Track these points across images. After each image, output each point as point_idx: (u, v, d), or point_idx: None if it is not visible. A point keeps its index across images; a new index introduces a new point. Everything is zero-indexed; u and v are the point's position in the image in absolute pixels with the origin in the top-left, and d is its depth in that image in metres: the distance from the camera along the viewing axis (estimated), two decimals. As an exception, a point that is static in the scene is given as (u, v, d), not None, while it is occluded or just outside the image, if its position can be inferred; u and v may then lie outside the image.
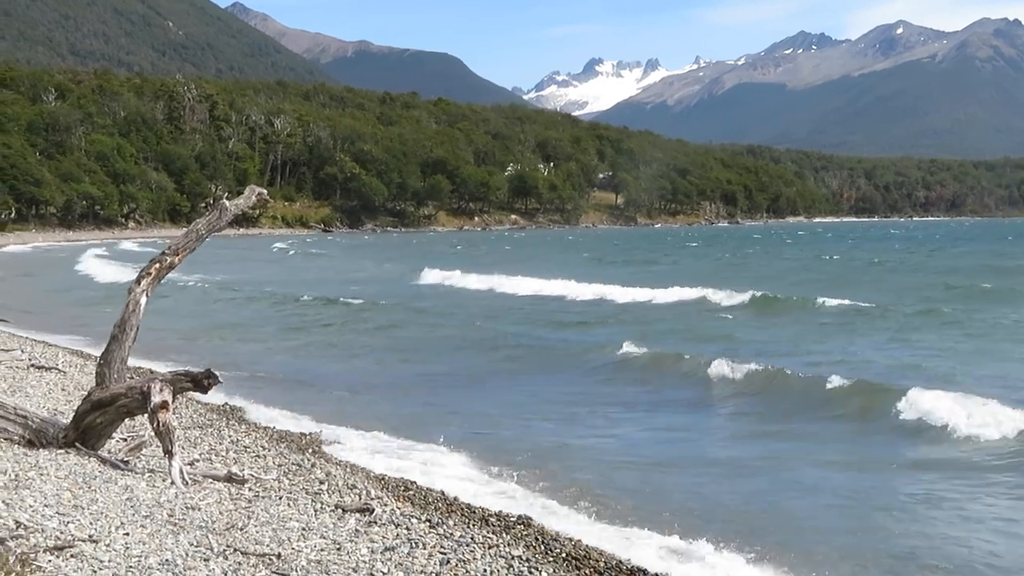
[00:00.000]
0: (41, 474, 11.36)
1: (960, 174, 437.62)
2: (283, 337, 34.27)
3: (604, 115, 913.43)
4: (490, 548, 10.80)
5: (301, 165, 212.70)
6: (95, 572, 8.41)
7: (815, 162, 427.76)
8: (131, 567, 8.66)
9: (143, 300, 13.39)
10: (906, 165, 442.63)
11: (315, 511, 11.61)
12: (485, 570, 9.91)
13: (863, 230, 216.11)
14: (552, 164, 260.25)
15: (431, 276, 63.22)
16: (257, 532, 10.33)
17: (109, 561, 8.73)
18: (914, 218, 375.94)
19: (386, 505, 12.23)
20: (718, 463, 16.94)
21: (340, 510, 11.76)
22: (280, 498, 12.07)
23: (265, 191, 14.85)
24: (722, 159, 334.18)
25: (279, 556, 9.52)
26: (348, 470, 14.81)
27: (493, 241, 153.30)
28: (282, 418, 19.70)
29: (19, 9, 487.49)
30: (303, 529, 10.68)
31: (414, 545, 10.49)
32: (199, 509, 10.97)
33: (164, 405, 12.35)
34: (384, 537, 10.72)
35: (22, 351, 24.69)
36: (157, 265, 13.52)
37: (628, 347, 28.16)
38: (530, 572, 10.09)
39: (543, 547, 11.57)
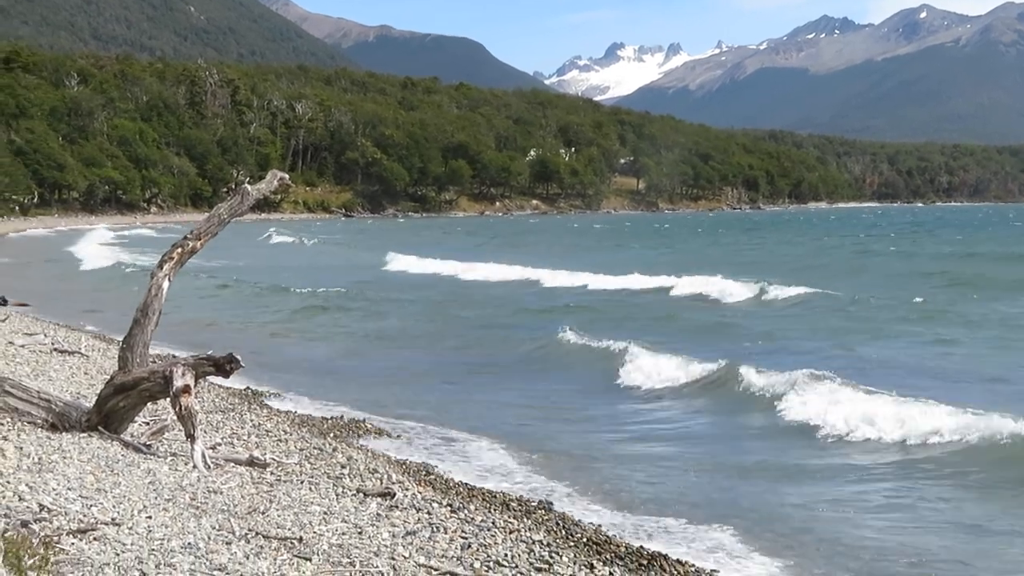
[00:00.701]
0: (64, 457, 11.40)
1: (983, 159, 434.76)
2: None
3: (626, 100, 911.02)
4: (511, 533, 10.81)
5: (322, 150, 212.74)
6: (118, 555, 8.44)
7: (837, 147, 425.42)
8: (153, 550, 8.68)
9: (165, 285, 13.42)
10: (929, 150, 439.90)
11: (337, 495, 11.64)
12: (506, 555, 9.92)
13: (893, 215, 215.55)
14: (573, 149, 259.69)
15: (398, 262, 64.12)
16: (279, 516, 10.35)
17: (132, 544, 8.75)
18: (937, 203, 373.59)
19: (407, 490, 12.25)
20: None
21: (362, 494, 11.78)
22: (302, 482, 12.10)
23: (287, 176, 14.86)
24: (744, 144, 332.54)
25: (301, 540, 9.54)
26: (369, 455, 14.84)
27: (499, 226, 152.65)
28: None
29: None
30: (325, 513, 10.71)
31: (435, 529, 10.50)
32: (221, 493, 11.00)
33: (186, 389, 12.38)
34: (405, 521, 10.74)
35: (45, 335, 24.81)
36: (179, 250, 13.54)
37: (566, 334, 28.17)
38: (551, 557, 10.10)
39: (564, 532, 11.59)
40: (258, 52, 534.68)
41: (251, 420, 16.51)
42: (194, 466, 11.93)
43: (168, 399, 12.70)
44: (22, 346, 22.23)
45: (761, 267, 57.32)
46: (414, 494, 12.03)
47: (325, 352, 28.23)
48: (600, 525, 12.23)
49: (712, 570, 10.92)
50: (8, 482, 9.96)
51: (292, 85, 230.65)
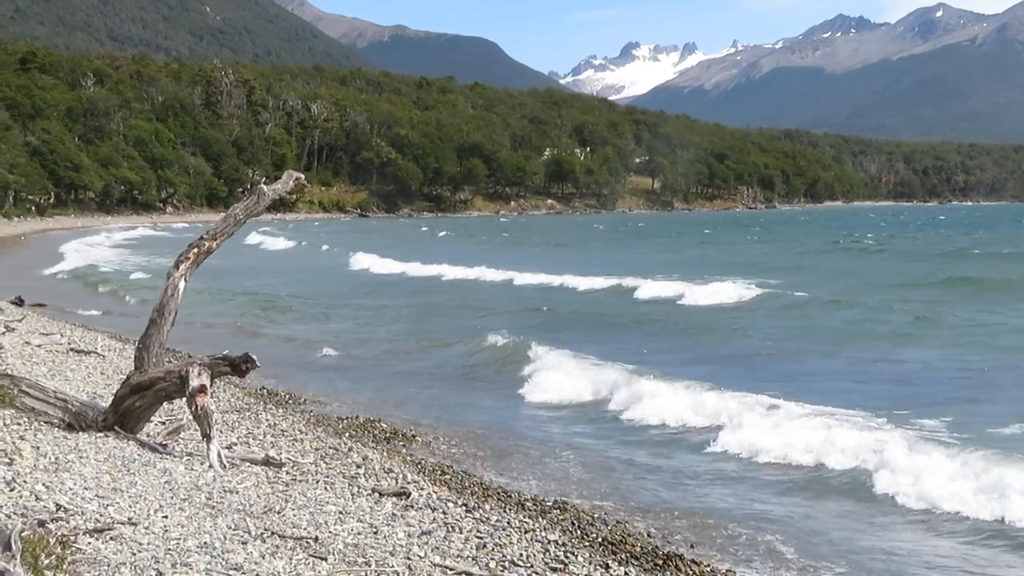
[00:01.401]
0: (81, 457, 11.43)
1: (1000, 158, 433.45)
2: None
3: (641, 99, 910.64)
4: (526, 533, 10.82)
5: (338, 150, 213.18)
6: (134, 555, 8.46)
7: (853, 146, 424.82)
8: (170, 550, 8.70)
9: (181, 285, 13.42)
10: (945, 149, 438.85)
11: (352, 495, 11.65)
12: (521, 554, 9.92)
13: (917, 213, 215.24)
14: (588, 149, 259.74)
15: (362, 262, 65.06)
16: (294, 515, 10.37)
17: (148, 544, 8.77)
18: (953, 202, 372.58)
19: (423, 489, 12.26)
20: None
21: (377, 494, 11.80)
22: (317, 482, 12.12)
23: (303, 176, 14.86)
24: (759, 143, 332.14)
25: (316, 539, 9.55)
26: (384, 454, 14.85)
27: (506, 226, 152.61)
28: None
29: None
30: (340, 513, 10.72)
31: (450, 529, 10.51)
32: (237, 492, 11.02)
33: (202, 389, 12.41)
34: (421, 521, 10.75)
35: (61, 335, 24.86)
36: (195, 250, 13.54)
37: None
38: (566, 556, 10.10)
39: (579, 532, 11.60)
40: (273, 52, 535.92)
41: (266, 420, 16.54)
42: (210, 466, 11.95)
43: (184, 399, 12.73)
44: (39, 346, 22.28)
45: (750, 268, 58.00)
46: (429, 494, 12.04)
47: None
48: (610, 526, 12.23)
49: (728, 569, 10.92)
50: (25, 482, 9.99)
51: (307, 85, 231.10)
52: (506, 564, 9.59)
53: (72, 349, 22.56)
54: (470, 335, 28.78)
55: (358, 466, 13.32)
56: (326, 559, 9.05)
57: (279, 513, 10.39)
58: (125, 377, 13.67)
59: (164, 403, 13.61)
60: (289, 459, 13.01)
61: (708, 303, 39.16)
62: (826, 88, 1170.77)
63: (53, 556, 7.45)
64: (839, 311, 35.15)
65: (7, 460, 10.69)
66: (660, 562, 10.75)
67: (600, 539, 11.30)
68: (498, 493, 13.23)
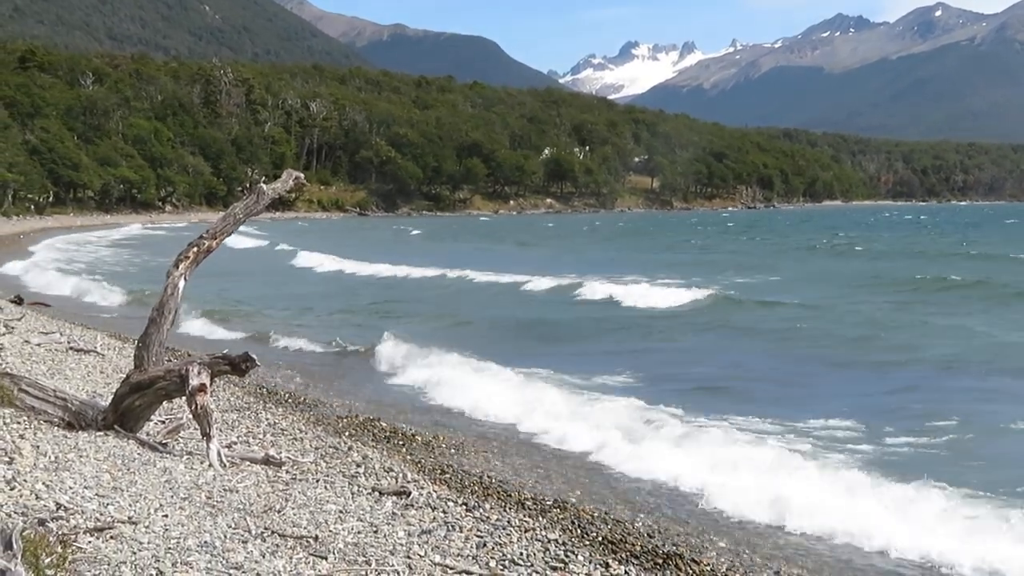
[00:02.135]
0: (81, 456, 11.44)
1: (999, 158, 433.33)
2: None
3: (640, 98, 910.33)
4: (526, 532, 10.82)
5: (337, 149, 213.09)
6: (134, 553, 8.47)
7: (852, 146, 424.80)
8: (170, 548, 8.71)
9: (181, 284, 13.43)
10: (944, 149, 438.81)
11: (352, 494, 11.65)
12: (522, 553, 9.92)
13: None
14: (588, 148, 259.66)
15: (305, 259, 66.32)
16: (295, 514, 10.37)
17: (148, 543, 8.78)
18: (952, 202, 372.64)
19: (423, 488, 12.26)
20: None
21: (377, 493, 11.80)
22: (317, 481, 12.12)
23: (302, 175, 14.85)
24: (758, 143, 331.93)
25: (316, 538, 9.55)
26: (384, 453, 14.85)
27: (486, 224, 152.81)
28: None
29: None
30: (340, 512, 10.73)
31: (451, 528, 10.51)
32: (237, 491, 11.02)
33: (202, 388, 12.42)
34: (421, 520, 10.75)
35: (60, 334, 24.85)
36: (195, 249, 13.54)
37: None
38: (566, 555, 10.10)
39: (579, 530, 11.61)
40: (273, 51, 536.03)
41: (266, 419, 16.54)
42: (210, 464, 11.96)
43: (184, 398, 12.74)
44: (38, 345, 22.27)
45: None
46: (429, 493, 12.04)
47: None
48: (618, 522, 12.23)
49: (727, 569, 10.92)
50: (25, 481, 10.00)
51: (306, 84, 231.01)
52: (506, 563, 9.59)
53: (71, 348, 22.56)
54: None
55: (358, 465, 13.31)
56: (326, 558, 9.06)
57: (279, 512, 10.40)
58: (125, 376, 13.68)
59: (164, 402, 13.62)
60: (289, 458, 13.01)
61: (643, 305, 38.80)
62: (825, 87, 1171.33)
63: (54, 555, 7.46)
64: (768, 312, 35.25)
65: (7, 459, 10.70)
66: (660, 561, 10.75)
67: (600, 538, 11.31)
68: (498, 492, 13.23)
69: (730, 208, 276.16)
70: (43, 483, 10.03)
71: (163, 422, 14.12)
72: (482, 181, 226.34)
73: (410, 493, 11.79)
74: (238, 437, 14.44)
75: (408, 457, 15.01)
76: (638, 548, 11.10)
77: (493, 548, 9.98)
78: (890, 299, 39.63)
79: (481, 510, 11.53)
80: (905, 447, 16.45)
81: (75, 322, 29.94)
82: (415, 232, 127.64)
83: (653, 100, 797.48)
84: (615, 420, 17.38)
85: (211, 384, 12.70)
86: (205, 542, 9.00)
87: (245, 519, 9.89)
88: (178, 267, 13.46)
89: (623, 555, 10.78)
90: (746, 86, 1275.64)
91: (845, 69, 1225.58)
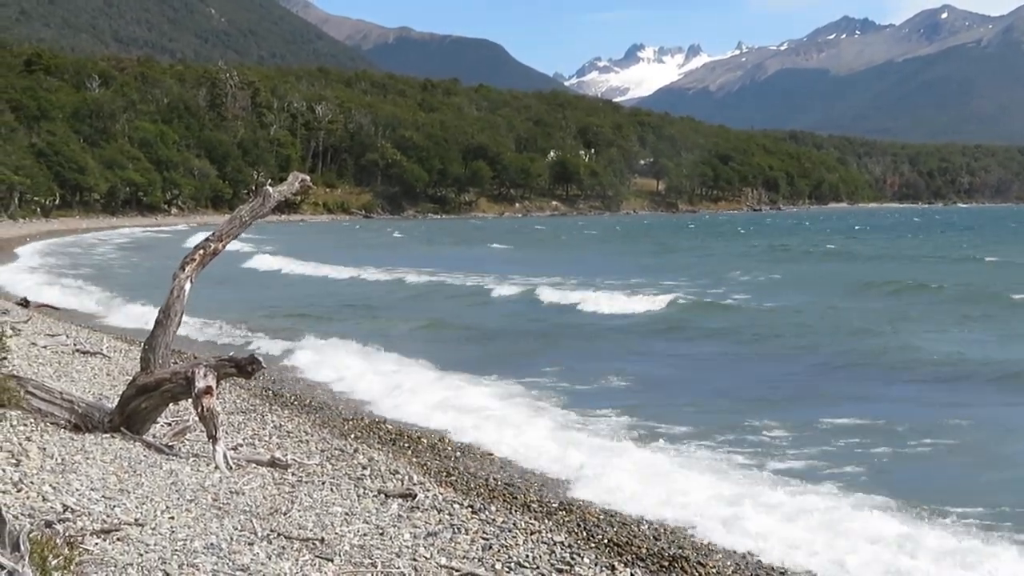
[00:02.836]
0: (87, 458, 11.46)
1: (1005, 160, 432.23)
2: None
3: (645, 101, 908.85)
4: (532, 534, 10.82)
5: (342, 152, 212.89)
6: (141, 555, 8.49)
7: (858, 148, 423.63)
8: (176, 550, 8.73)
9: (187, 286, 13.45)
10: (950, 151, 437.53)
11: (358, 496, 11.66)
12: (527, 556, 9.93)
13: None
14: (593, 150, 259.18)
15: (261, 261, 66.33)
16: (301, 517, 10.39)
17: (155, 544, 8.80)
18: (958, 204, 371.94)
19: (428, 491, 12.27)
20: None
21: (383, 495, 11.81)
22: (323, 483, 12.13)
23: (308, 178, 14.87)
24: (764, 145, 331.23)
25: (323, 541, 9.57)
26: (390, 456, 14.86)
27: (479, 228, 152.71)
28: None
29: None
30: (346, 514, 10.74)
31: (456, 531, 10.52)
32: (243, 494, 11.04)
33: (208, 390, 12.44)
34: (427, 522, 10.76)
35: (67, 336, 24.90)
36: (201, 251, 13.56)
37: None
38: (572, 558, 10.11)
39: (585, 533, 11.61)
40: (278, 54, 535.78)
41: (272, 421, 16.55)
42: (216, 467, 11.98)
43: (190, 400, 12.76)
44: (44, 347, 22.31)
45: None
46: (435, 495, 12.05)
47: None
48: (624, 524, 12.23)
49: (732, 572, 10.92)
50: (32, 483, 10.02)
51: (312, 87, 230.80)
52: (512, 565, 9.61)
53: (78, 350, 22.60)
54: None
55: (364, 467, 13.33)
56: (332, 560, 9.08)
57: (285, 514, 10.41)
58: (131, 378, 13.70)
59: (170, 404, 13.64)
60: (295, 460, 13.03)
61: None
62: (831, 90, 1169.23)
63: (61, 557, 7.46)
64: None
65: (14, 461, 10.72)
66: (666, 563, 10.76)
67: (606, 540, 11.31)
68: (504, 494, 13.24)
69: (744, 209, 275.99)
70: (50, 485, 10.06)
71: (169, 424, 14.15)
72: (488, 184, 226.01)
73: (416, 495, 11.80)
74: (244, 439, 14.46)
75: (414, 459, 15.03)
76: (644, 551, 11.09)
77: (499, 550, 9.99)
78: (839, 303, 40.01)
79: (487, 512, 11.54)
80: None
81: (81, 324, 29.98)
82: (397, 235, 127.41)
83: (659, 103, 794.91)
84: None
85: (217, 386, 12.72)
86: (211, 544, 9.02)
87: (251, 521, 9.91)
88: (184, 269, 13.49)
89: (629, 557, 10.79)
90: (752, 88, 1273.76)
91: (851, 71, 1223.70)
